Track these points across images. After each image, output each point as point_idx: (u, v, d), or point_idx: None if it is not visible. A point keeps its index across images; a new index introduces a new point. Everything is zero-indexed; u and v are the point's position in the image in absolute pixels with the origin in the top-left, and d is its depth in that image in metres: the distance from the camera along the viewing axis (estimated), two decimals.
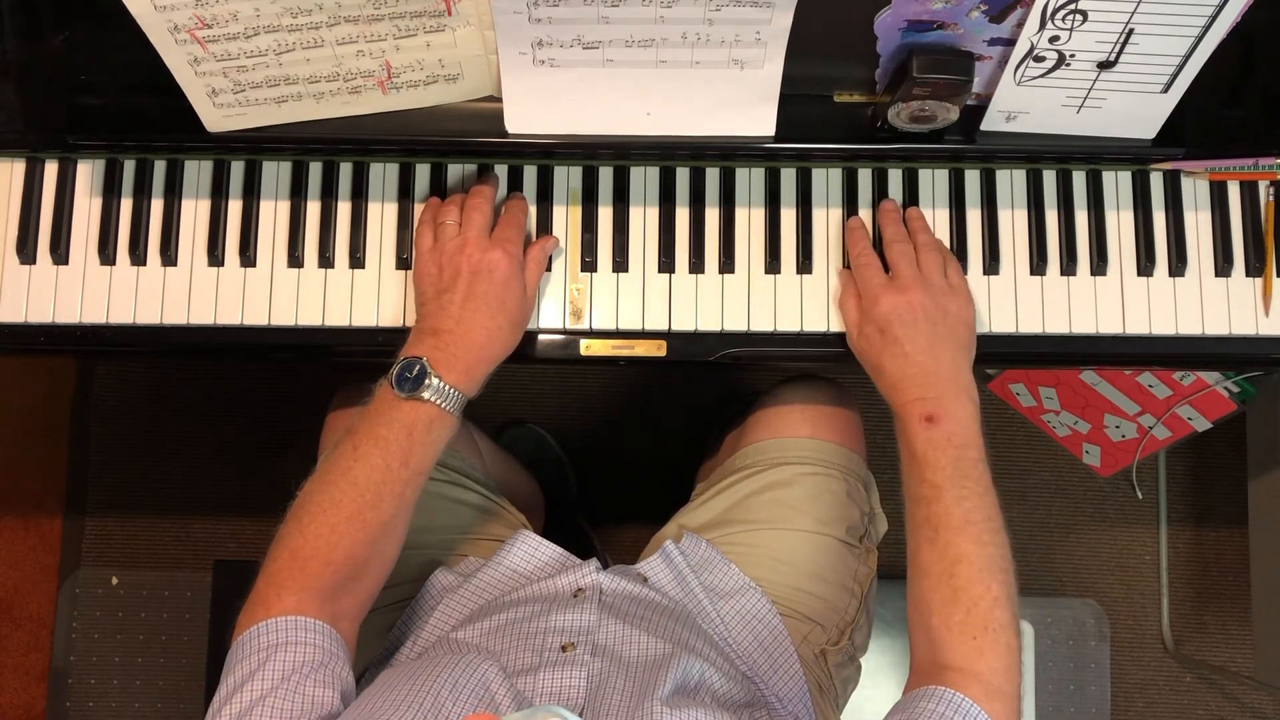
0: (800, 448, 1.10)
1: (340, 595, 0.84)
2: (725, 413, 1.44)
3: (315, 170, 1.04)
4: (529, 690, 0.79)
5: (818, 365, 1.21)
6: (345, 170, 1.04)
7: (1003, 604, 0.80)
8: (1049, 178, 1.04)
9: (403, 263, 1.02)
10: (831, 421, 1.13)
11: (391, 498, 0.85)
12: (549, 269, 1.02)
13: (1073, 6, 0.86)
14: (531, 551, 1.01)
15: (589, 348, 1.02)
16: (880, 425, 1.82)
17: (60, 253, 1.02)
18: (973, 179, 1.04)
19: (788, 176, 1.04)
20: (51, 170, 1.03)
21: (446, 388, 0.87)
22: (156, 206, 1.03)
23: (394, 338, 1.01)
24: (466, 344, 0.89)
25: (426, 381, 0.86)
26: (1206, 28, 0.88)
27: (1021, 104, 0.96)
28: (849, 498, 1.09)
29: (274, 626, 0.80)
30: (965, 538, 0.82)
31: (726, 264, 1.03)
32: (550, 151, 1.01)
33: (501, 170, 1.03)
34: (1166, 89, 0.93)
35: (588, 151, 1.02)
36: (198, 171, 1.03)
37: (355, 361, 1.02)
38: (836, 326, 1.02)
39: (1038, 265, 1.03)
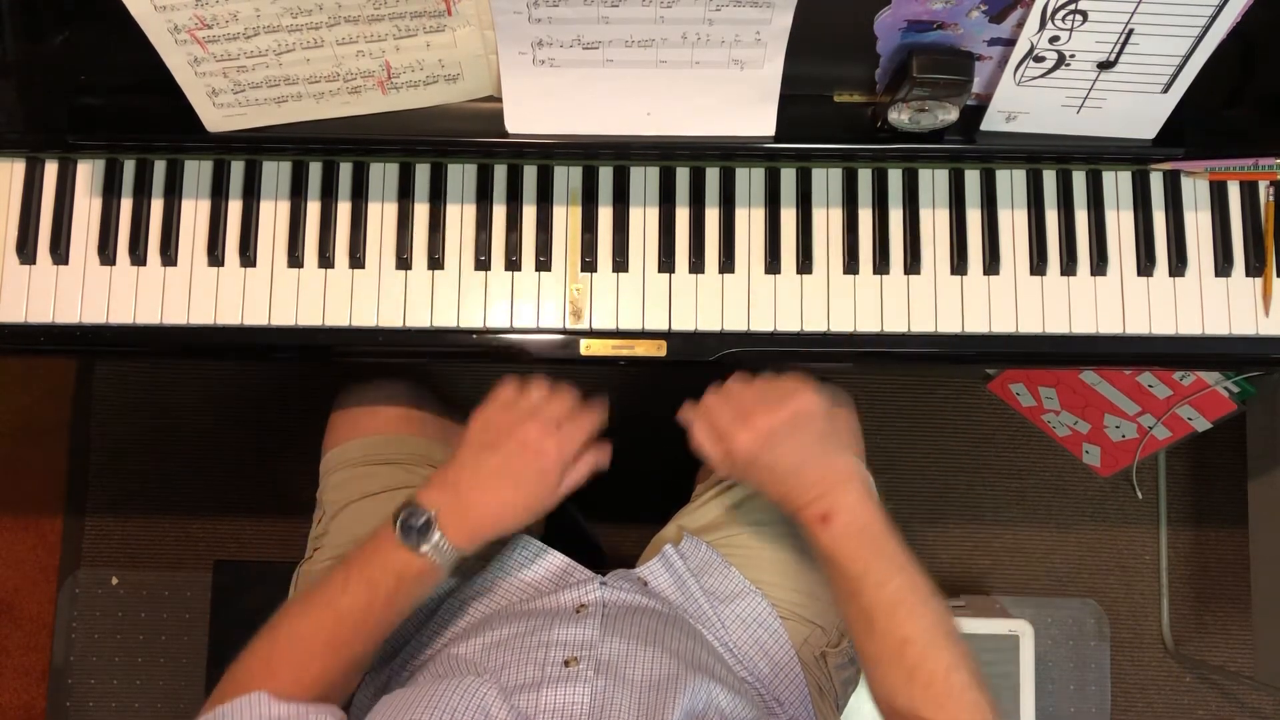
0: None
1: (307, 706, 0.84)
2: None
3: (315, 170, 1.04)
4: (530, 708, 0.79)
5: (818, 365, 1.21)
6: (345, 170, 1.04)
7: (957, 666, 0.81)
8: (1049, 178, 1.04)
9: (403, 263, 1.02)
10: None
11: (368, 637, 0.87)
12: (549, 269, 1.02)
13: (1073, 6, 0.86)
14: (531, 557, 1.00)
15: (589, 348, 1.02)
16: (880, 425, 1.84)
17: (60, 253, 1.02)
18: (973, 179, 1.04)
19: (788, 176, 1.04)
20: (51, 170, 1.03)
21: (447, 546, 0.87)
22: (156, 206, 1.03)
23: (394, 338, 1.02)
24: (480, 509, 0.89)
25: (430, 537, 0.86)
26: (1206, 28, 0.88)
27: (1021, 104, 0.96)
28: None
29: (238, 705, 0.79)
30: (901, 618, 0.83)
31: (726, 264, 1.03)
32: (550, 151, 1.01)
33: (501, 170, 1.03)
34: (1166, 89, 0.93)
35: (588, 151, 1.02)
36: (198, 171, 1.03)
37: (358, 362, 1.02)
38: (837, 327, 1.02)
39: (1038, 265, 1.03)
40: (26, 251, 1.02)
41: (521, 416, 0.93)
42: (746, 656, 0.98)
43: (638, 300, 1.02)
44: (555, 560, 1.00)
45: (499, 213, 1.03)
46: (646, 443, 1.80)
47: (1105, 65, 0.91)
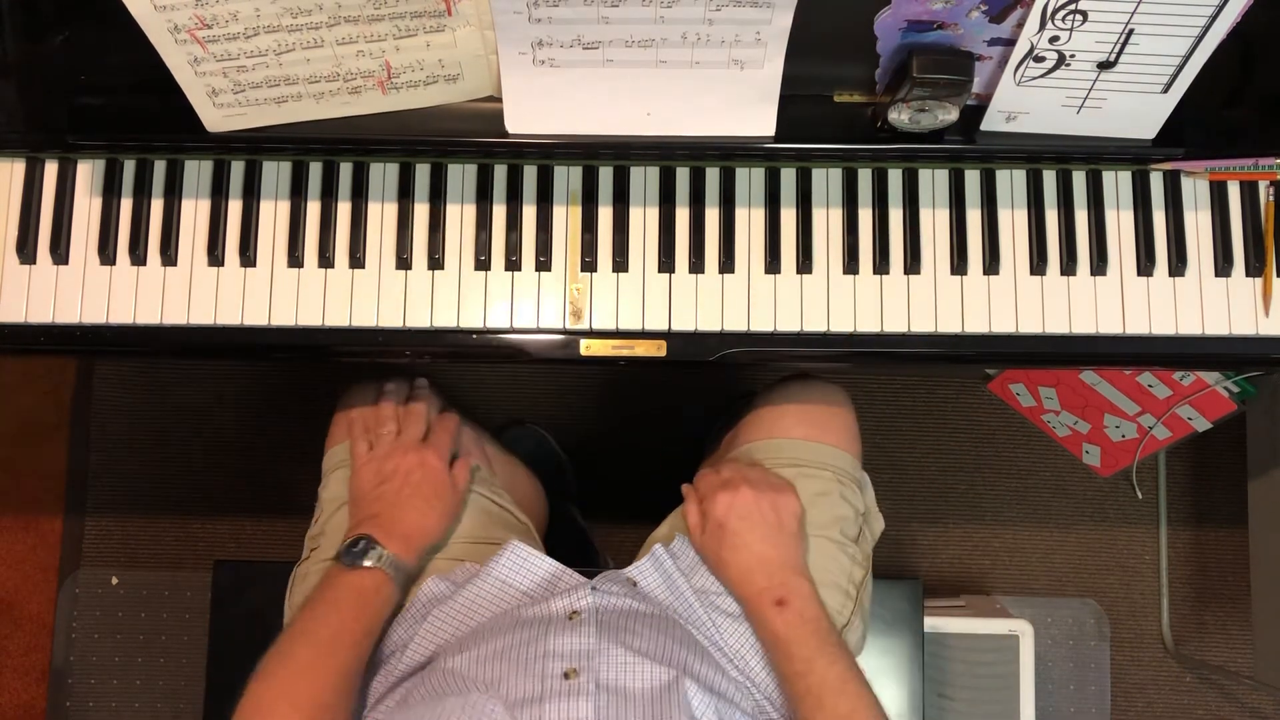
0: (793, 449, 1.11)
1: None
2: (725, 411, 1.44)
3: (315, 170, 1.04)
4: None
5: (818, 365, 1.21)
6: (345, 170, 1.04)
7: None
8: (1049, 178, 1.04)
9: (403, 263, 1.02)
10: (825, 422, 1.13)
11: (345, 648, 0.91)
12: (549, 269, 1.02)
13: (1073, 6, 0.86)
14: (521, 563, 1.00)
15: (589, 348, 1.02)
16: (880, 425, 1.84)
17: (60, 253, 1.02)
18: (973, 179, 1.04)
19: (788, 176, 1.04)
20: (51, 170, 1.03)
21: (388, 555, 0.96)
22: (156, 206, 1.03)
23: (394, 338, 1.01)
24: (404, 524, 1.00)
25: (371, 552, 0.96)
26: (1206, 28, 0.88)
27: (1021, 104, 0.96)
28: (842, 499, 1.08)
29: None
30: (848, 696, 0.90)
31: (726, 264, 1.03)
32: (550, 151, 1.01)
33: (501, 170, 1.03)
34: (1166, 89, 0.93)
35: (588, 151, 1.02)
36: (198, 171, 1.03)
37: (360, 362, 1.03)
38: (837, 327, 1.02)
39: (1038, 265, 1.03)
40: (26, 251, 1.02)
41: (390, 451, 1.05)
42: (738, 657, 0.98)
43: (638, 300, 1.02)
44: (545, 566, 1.00)
45: (499, 213, 1.03)
46: (646, 442, 1.81)
47: (1105, 65, 0.91)
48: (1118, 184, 1.04)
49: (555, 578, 1.00)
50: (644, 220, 1.03)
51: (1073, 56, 0.91)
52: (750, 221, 1.03)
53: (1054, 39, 0.89)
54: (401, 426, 1.08)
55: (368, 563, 0.95)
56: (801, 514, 1.02)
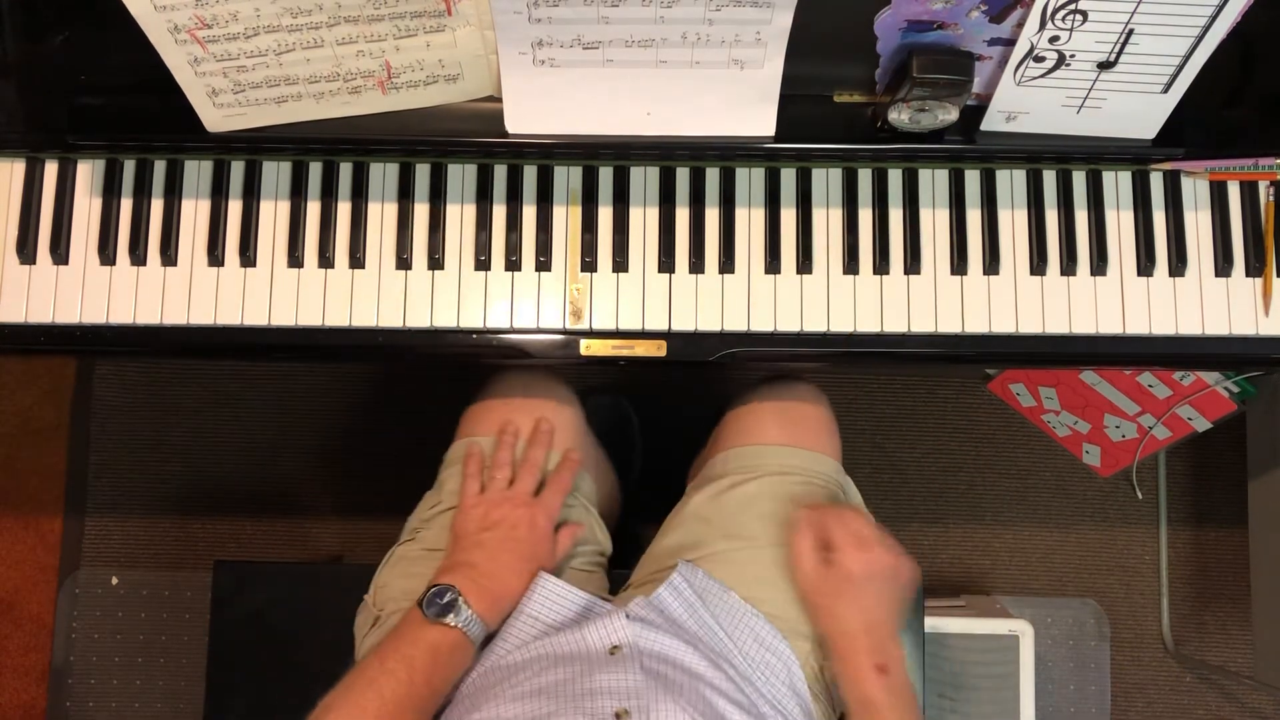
0: (777, 456, 1.10)
1: None
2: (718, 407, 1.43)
3: (315, 170, 1.04)
4: None
5: (817, 366, 1.21)
6: (345, 170, 1.04)
7: None
8: (1049, 178, 1.04)
9: (403, 263, 1.02)
10: (804, 425, 1.13)
11: (409, 712, 0.88)
12: (549, 269, 1.02)
13: (1073, 6, 0.86)
14: (554, 598, 0.99)
15: (589, 348, 1.02)
16: (880, 425, 1.84)
17: (60, 253, 1.02)
18: (973, 179, 1.04)
19: (788, 176, 1.04)
20: (51, 170, 1.03)
21: (473, 616, 0.93)
22: (156, 206, 1.03)
23: (394, 338, 1.01)
24: (496, 580, 0.97)
25: (457, 610, 0.92)
26: (1206, 28, 0.88)
27: (1021, 104, 0.96)
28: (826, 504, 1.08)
29: None
30: None
31: (726, 264, 1.03)
32: (550, 151, 1.01)
33: (501, 170, 1.03)
34: (1166, 89, 0.93)
35: (588, 151, 1.02)
36: (198, 171, 1.03)
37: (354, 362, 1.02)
38: (837, 327, 1.02)
39: (1038, 265, 1.03)
40: (26, 251, 1.02)
41: (500, 501, 1.02)
42: (773, 696, 0.97)
43: (638, 300, 1.02)
44: (576, 598, 0.99)
45: (499, 213, 1.03)
46: (647, 440, 1.81)
47: (1105, 65, 0.91)
48: (1118, 184, 1.04)
49: (587, 608, 0.99)
50: (644, 220, 1.03)
51: (1073, 56, 0.91)
52: (750, 221, 1.03)
53: (1054, 39, 0.89)
54: (516, 476, 1.05)
55: (451, 620, 0.92)
56: (917, 584, 1.01)
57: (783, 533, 1.05)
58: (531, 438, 1.09)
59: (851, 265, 1.03)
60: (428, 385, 1.82)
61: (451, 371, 1.82)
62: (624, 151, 1.02)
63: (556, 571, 1.03)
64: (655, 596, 1.00)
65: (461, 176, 1.04)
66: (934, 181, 1.04)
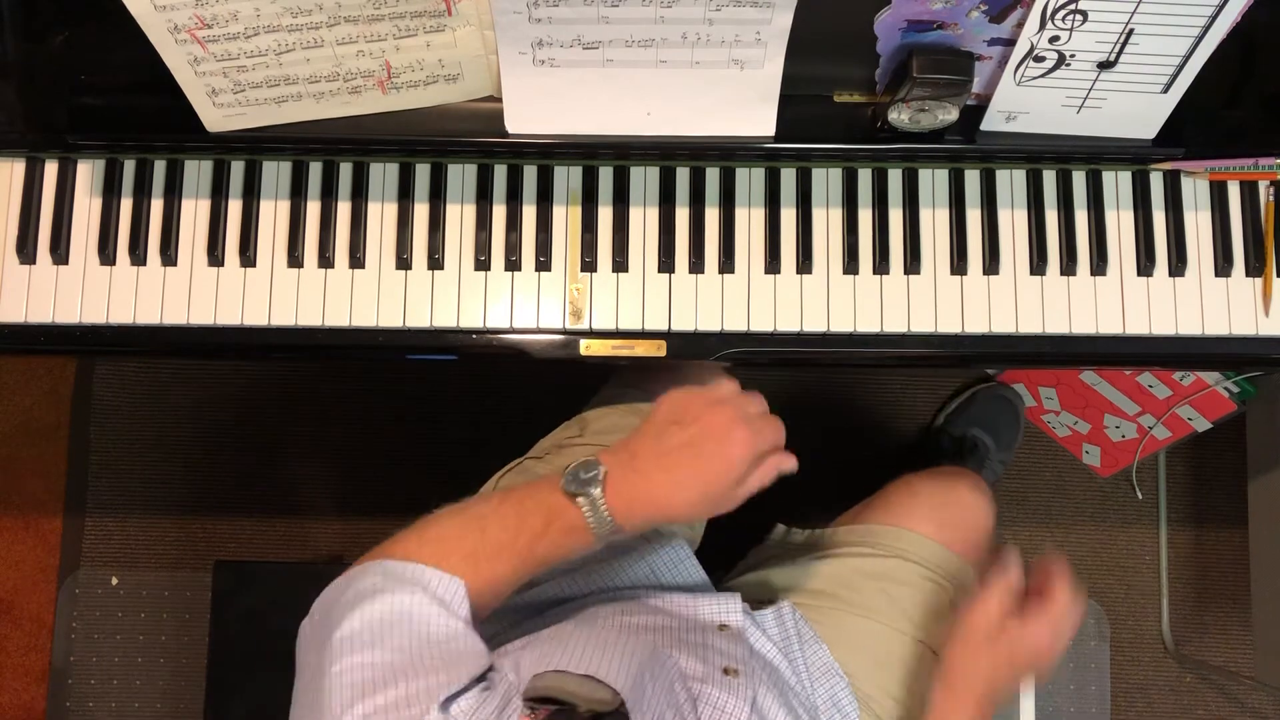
0: (922, 548, 1.08)
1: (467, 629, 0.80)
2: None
3: (315, 170, 1.04)
4: (700, 699, 0.77)
5: (817, 365, 1.21)
6: (345, 170, 1.04)
7: None
8: (1049, 178, 1.04)
9: (402, 263, 1.02)
10: (958, 528, 1.11)
11: (508, 563, 0.81)
12: (549, 269, 1.02)
13: (1073, 6, 0.86)
14: (676, 562, 0.97)
15: (589, 348, 1.02)
16: (881, 425, 1.83)
17: (60, 253, 1.02)
18: (973, 179, 1.04)
19: (788, 176, 1.04)
20: (51, 170, 1.03)
21: (603, 508, 0.81)
22: (156, 206, 1.03)
23: (394, 337, 1.02)
24: (649, 485, 0.82)
25: (590, 491, 0.81)
26: (1206, 28, 0.88)
27: (1021, 104, 0.96)
28: (954, 611, 1.04)
29: (412, 569, 0.76)
30: None
31: (726, 264, 1.03)
32: (550, 151, 1.01)
33: (501, 170, 1.03)
34: (1166, 89, 0.93)
35: (588, 151, 1.02)
36: (198, 171, 1.03)
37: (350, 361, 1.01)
38: (837, 327, 1.02)
39: (1038, 265, 1.03)
40: (26, 251, 1.02)
41: (714, 401, 0.84)
42: None
43: (637, 300, 1.02)
44: (698, 573, 0.98)
45: (499, 213, 1.03)
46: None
47: (1105, 65, 0.91)
48: (1118, 184, 1.04)
49: (703, 586, 0.98)
50: (644, 220, 1.03)
51: (1073, 56, 0.91)
52: (750, 221, 1.03)
53: (1054, 39, 0.89)
54: (739, 394, 0.87)
55: (580, 501, 0.80)
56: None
57: (894, 614, 1.04)
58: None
59: (851, 265, 1.03)
60: (428, 385, 1.82)
61: (451, 371, 1.83)
62: (624, 151, 1.02)
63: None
64: (760, 615, 0.99)
65: (461, 176, 1.04)
66: (934, 181, 1.04)
